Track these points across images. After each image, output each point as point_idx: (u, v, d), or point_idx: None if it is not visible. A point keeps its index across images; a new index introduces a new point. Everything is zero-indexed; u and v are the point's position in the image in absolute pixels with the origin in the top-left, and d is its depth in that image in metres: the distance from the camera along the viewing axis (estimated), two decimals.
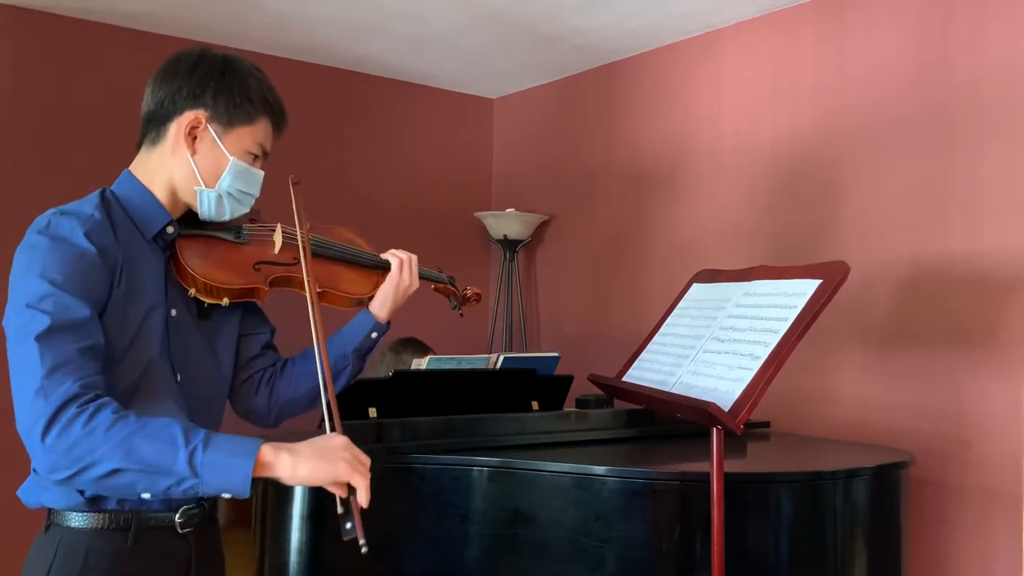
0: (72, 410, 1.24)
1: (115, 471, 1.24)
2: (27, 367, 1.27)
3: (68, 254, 1.34)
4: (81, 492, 1.38)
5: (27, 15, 3.43)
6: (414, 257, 1.78)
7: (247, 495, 1.27)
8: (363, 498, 1.32)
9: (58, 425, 1.23)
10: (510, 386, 2.53)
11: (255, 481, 1.28)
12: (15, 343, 1.30)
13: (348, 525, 1.31)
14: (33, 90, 3.45)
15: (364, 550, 1.27)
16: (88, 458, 1.23)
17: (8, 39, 3.40)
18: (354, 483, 1.32)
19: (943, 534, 2.71)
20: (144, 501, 1.42)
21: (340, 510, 1.33)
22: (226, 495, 1.28)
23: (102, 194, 1.46)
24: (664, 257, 3.70)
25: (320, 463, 1.31)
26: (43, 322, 1.28)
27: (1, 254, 3.52)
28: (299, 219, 1.61)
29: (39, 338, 1.27)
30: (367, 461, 1.35)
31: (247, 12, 3.45)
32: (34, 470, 1.39)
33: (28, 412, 1.25)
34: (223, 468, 1.26)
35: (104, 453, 1.23)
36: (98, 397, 1.27)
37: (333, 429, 1.42)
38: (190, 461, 1.25)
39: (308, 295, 1.54)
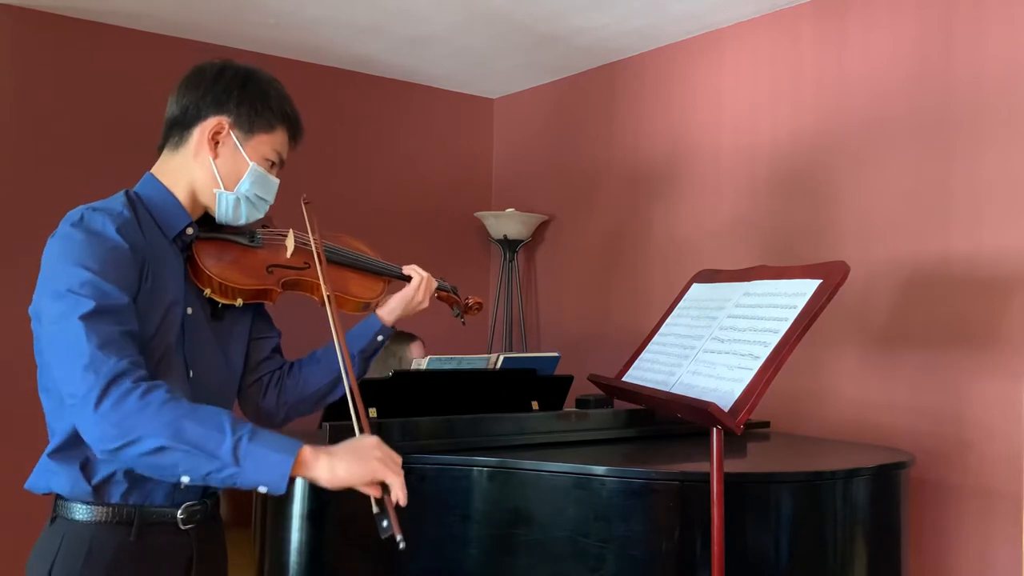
0: (127, 383, 1.29)
1: (161, 448, 1.27)
2: (72, 345, 1.30)
3: (103, 247, 1.39)
4: (88, 479, 1.41)
5: (27, 15, 3.43)
6: (432, 279, 1.84)
7: (283, 491, 1.30)
8: (398, 495, 1.34)
9: (113, 395, 1.28)
10: (510, 386, 2.53)
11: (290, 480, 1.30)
12: (56, 325, 1.33)
13: (384, 523, 1.33)
14: (33, 90, 3.45)
15: (402, 546, 1.30)
16: (136, 432, 1.27)
17: (8, 39, 3.41)
18: (388, 481, 1.34)
19: (943, 534, 2.71)
20: (148, 496, 1.46)
21: (376, 510, 1.35)
22: (262, 489, 1.30)
23: (127, 194, 1.51)
24: (664, 257, 3.70)
25: (355, 463, 1.33)
26: (87, 304, 1.32)
27: (2, 251, 3.52)
28: (312, 234, 1.68)
29: (84, 318, 1.31)
30: (399, 459, 1.38)
31: (247, 12, 3.45)
32: (47, 452, 1.43)
33: (78, 386, 1.29)
34: (264, 461, 1.29)
35: (153, 429, 1.27)
36: (149, 377, 1.32)
37: (362, 430, 1.44)
38: (235, 449, 1.28)
39: (325, 297, 1.60)
